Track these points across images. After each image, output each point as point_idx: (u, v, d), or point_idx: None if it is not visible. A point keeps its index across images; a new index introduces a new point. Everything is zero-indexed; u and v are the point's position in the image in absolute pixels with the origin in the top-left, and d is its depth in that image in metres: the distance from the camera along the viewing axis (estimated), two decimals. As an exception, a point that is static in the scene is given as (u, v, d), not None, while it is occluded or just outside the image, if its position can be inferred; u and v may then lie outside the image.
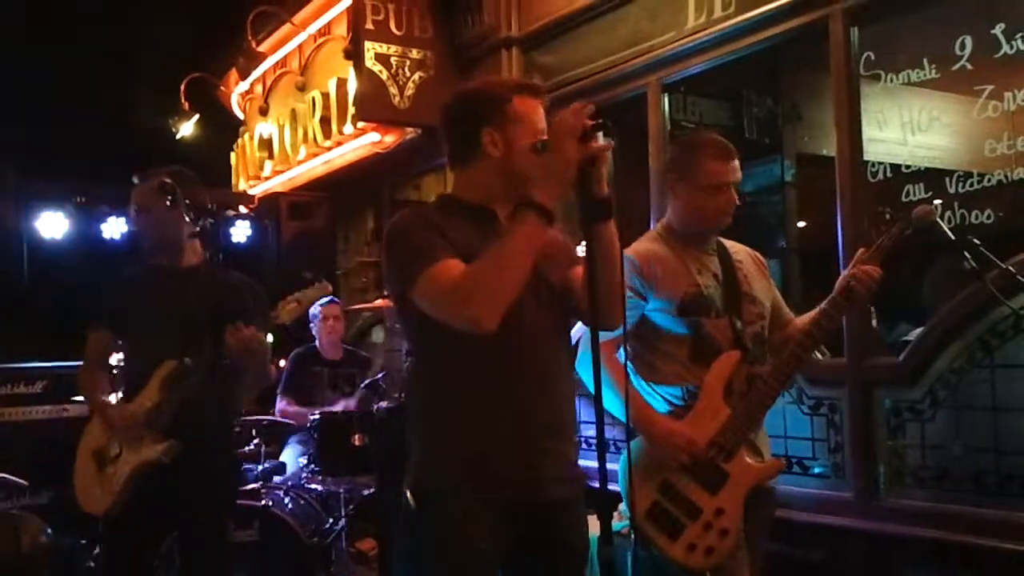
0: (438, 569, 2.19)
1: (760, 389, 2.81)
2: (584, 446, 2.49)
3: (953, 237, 2.71)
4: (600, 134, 2.01)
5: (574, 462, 2.33)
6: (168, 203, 3.18)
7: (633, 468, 2.79)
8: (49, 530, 4.19)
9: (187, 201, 3.22)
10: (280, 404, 5.44)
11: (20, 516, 4.23)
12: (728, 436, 2.76)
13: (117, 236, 7.10)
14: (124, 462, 3.21)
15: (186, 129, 7.81)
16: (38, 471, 3.66)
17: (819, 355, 3.69)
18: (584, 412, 2.60)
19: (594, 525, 1.98)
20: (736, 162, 2.88)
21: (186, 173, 3.36)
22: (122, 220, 6.86)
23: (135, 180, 3.40)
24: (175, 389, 3.17)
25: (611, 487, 2.24)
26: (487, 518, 2.18)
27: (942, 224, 2.70)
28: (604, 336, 2.25)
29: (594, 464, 1.97)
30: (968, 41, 3.38)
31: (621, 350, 2.88)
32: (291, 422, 5.25)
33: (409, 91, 5.85)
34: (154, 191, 3.25)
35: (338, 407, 5.15)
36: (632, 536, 2.75)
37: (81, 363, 3.48)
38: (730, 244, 3.03)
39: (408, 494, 2.24)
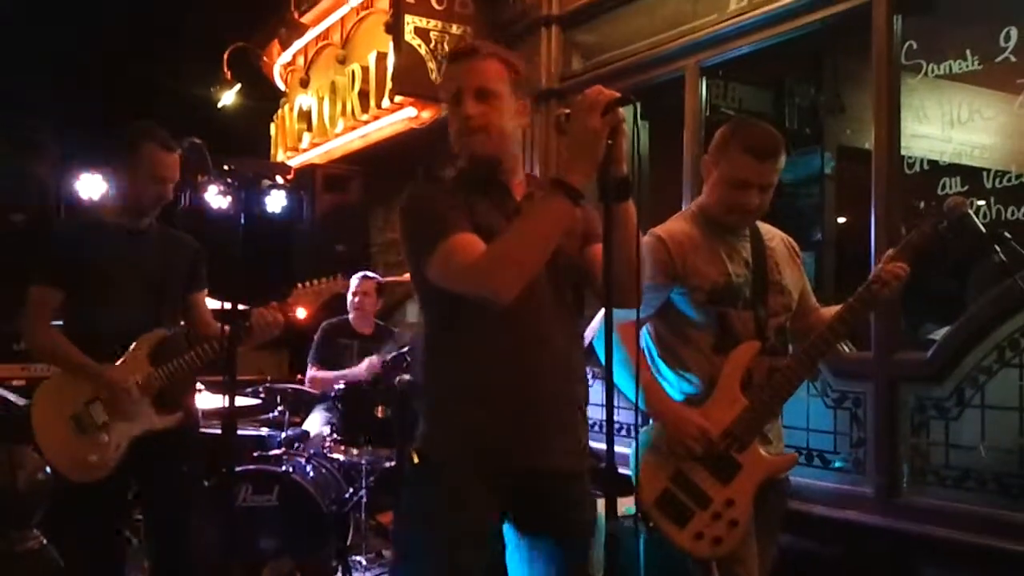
0: (428, 534, 2.21)
1: (778, 381, 2.76)
2: (596, 429, 2.47)
3: (984, 231, 2.64)
4: (621, 110, 1.99)
5: (581, 436, 2.33)
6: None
7: (647, 453, 2.77)
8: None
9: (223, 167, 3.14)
10: (310, 372, 5.53)
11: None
12: (743, 427, 2.72)
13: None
14: (121, 429, 3.15)
15: (228, 98, 7.87)
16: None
17: (845, 348, 3.64)
18: (597, 394, 2.58)
19: (601, 504, 1.97)
20: (774, 163, 2.70)
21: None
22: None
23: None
24: (164, 360, 3.14)
25: (621, 471, 2.22)
26: (488, 490, 2.19)
27: (973, 217, 2.63)
28: (628, 317, 2.23)
29: (603, 445, 1.96)
30: (1013, 33, 3.29)
31: (643, 332, 2.85)
32: (316, 392, 5.30)
33: (447, 67, 5.81)
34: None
35: (363, 365, 5.21)
36: (640, 521, 2.72)
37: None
38: (765, 228, 2.95)
39: (414, 454, 2.28)
